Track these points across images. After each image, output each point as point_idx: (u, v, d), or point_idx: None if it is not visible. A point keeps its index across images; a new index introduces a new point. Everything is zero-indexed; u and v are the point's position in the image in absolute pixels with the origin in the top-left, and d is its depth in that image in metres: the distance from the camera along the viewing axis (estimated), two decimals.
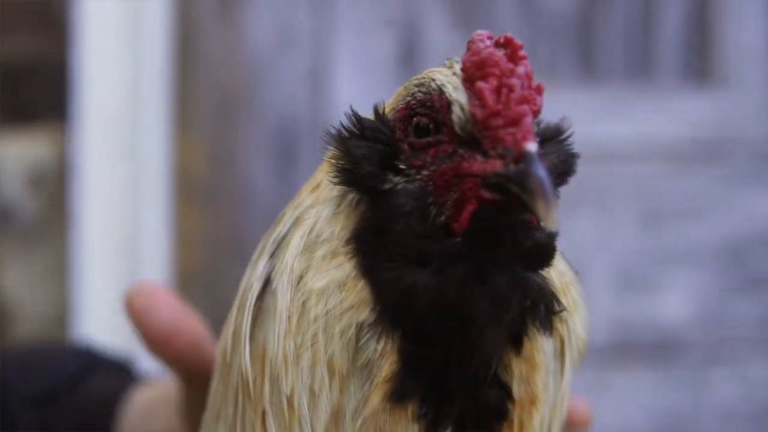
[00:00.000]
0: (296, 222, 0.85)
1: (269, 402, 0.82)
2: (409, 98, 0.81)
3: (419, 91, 0.80)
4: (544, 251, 0.77)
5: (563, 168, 0.81)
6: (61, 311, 2.58)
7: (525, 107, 0.74)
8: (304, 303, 0.81)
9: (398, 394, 0.78)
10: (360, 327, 0.78)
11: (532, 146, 0.72)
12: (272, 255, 0.86)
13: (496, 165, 0.74)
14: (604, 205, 2.14)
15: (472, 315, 0.75)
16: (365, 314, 0.78)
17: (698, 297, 2.20)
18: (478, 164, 0.75)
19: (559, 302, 0.79)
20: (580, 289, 0.86)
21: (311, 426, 0.80)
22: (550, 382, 0.82)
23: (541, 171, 0.71)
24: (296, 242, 0.84)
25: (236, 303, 0.88)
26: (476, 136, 0.76)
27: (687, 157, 2.20)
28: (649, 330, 2.17)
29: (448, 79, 0.78)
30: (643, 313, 2.17)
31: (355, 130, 0.81)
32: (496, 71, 0.75)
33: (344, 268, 0.80)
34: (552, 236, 0.77)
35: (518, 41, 0.77)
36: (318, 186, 0.86)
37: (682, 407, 2.21)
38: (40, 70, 3.08)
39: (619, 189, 2.16)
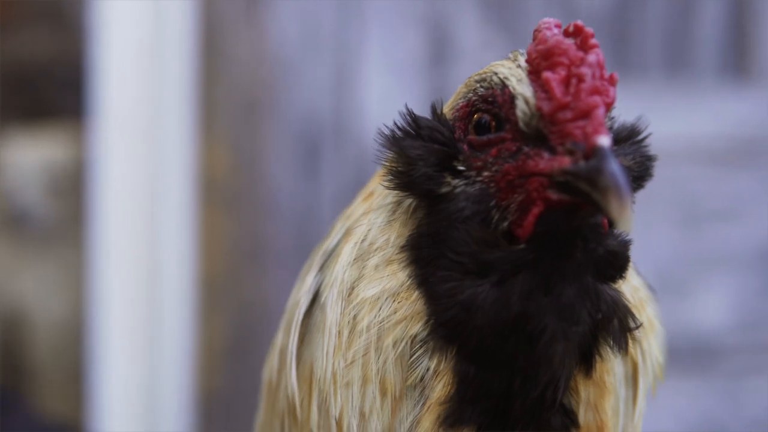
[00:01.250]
0: (347, 233, 0.80)
1: (317, 425, 0.76)
2: (470, 94, 0.76)
3: (481, 87, 0.75)
4: (616, 260, 0.72)
5: (639, 171, 0.77)
6: (79, 317, 2.54)
7: (597, 98, 0.69)
8: (355, 316, 0.75)
9: (452, 420, 0.72)
10: (413, 341, 0.73)
11: (604, 140, 0.67)
12: (321, 268, 0.80)
13: (565, 161, 0.68)
14: (640, 206, 2.09)
15: (537, 330, 0.69)
16: (418, 327, 0.73)
17: (737, 301, 2.15)
18: (545, 161, 0.69)
19: (634, 318, 0.73)
20: (657, 309, 0.80)
21: None
22: (621, 409, 0.76)
23: (614, 167, 0.66)
24: (347, 252, 0.78)
25: (283, 322, 0.82)
26: (543, 132, 0.70)
27: (725, 156, 2.14)
28: (685, 335, 2.12)
29: (511, 71, 0.73)
30: (679, 318, 2.11)
31: (410, 129, 0.76)
32: (565, 60, 0.71)
33: (398, 277, 0.74)
34: (626, 244, 0.72)
35: (589, 29, 0.72)
36: (371, 194, 0.81)
37: (718, 416, 2.16)
38: (56, 70, 3.04)
39: (656, 190, 2.10)
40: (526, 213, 0.70)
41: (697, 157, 2.13)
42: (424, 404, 0.73)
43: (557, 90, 0.70)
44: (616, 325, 0.72)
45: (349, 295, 0.76)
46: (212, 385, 2.06)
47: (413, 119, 0.76)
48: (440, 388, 0.72)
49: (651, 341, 0.79)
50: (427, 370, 0.72)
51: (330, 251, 0.80)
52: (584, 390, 0.74)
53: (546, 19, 0.75)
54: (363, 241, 0.78)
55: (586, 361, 0.73)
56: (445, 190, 0.73)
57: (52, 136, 2.98)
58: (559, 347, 0.69)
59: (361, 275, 0.76)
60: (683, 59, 2.19)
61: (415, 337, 0.73)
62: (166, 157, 2.13)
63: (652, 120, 2.22)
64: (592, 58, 0.71)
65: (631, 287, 0.78)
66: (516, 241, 0.71)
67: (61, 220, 2.83)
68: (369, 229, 0.78)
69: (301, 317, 0.79)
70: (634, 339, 0.74)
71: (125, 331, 2.13)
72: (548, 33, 0.73)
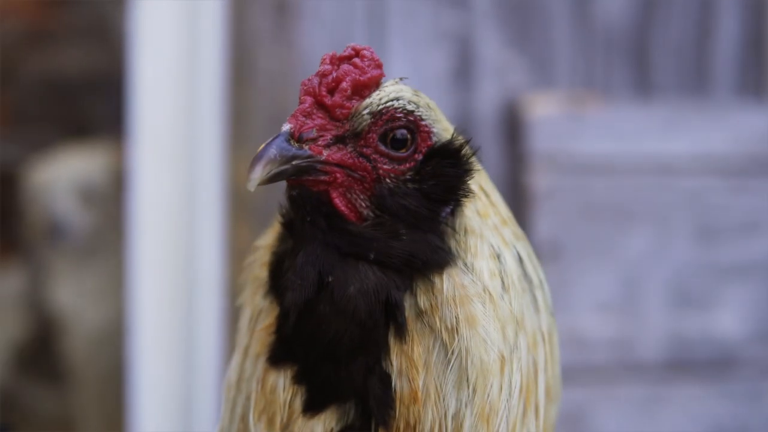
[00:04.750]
0: None
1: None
2: None
3: None
4: (361, 241, 0.87)
5: (440, 184, 0.89)
6: (115, 327, 2.59)
7: (306, 98, 0.88)
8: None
9: (274, 358, 0.90)
10: (262, 282, 0.93)
11: (285, 126, 0.87)
12: None
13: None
14: (660, 220, 2.13)
15: (284, 280, 0.89)
16: (265, 272, 0.93)
17: (754, 313, 2.18)
18: None
19: (389, 292, 0.86)
20: (490, 311, 0.89)
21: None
22: (448, 391, 0.86)
23: (269, 143, 0.85)
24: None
25: None
26: None
27: (743, 172, 2.18)
28: (705, 346, 2.15)
29: None
30: (699, 329, 2.14)
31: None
32: (315, 71, 0.90)
33: (270, 237, 0.97)
34: (369, 232, 0.87)
35: (364, 52, 0.90)
36: None
37: (737, 423, 2.19)
38: (95, 86, 3.11)
39: (674, 204, 2.14)
40: None
41: (715, 171, 2.16)
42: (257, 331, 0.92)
43: (300, 91, 0.90)
44: (351, 292, 0.85)
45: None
46: None
47: None
48: (266, 321, 0.91)
49: (471, 335, 0.87)
50: (263, 304, 0.92)
51: None
52: (396, 359, 0.86)
53: (350, 44, 0.92)
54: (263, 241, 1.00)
55: (399, 332, 0.86)
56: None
57: (89, 149, 3.05)
58: (290, 295, 0.87)
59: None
60: (702, 77, 2.22)
61: (262, 279, 0.94)
62: (200, 171, 2.19)
63: (670, 137, 2.24)
64: (324, 67, 0.89)
65: (457, 283, 0.88)
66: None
67: (97, 232, 2.89)
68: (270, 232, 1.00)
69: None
70: (448, 332, 0.86)
71: (161, 340, 2.19)
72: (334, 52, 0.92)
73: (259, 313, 0.92)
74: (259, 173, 0.83)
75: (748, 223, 2.18)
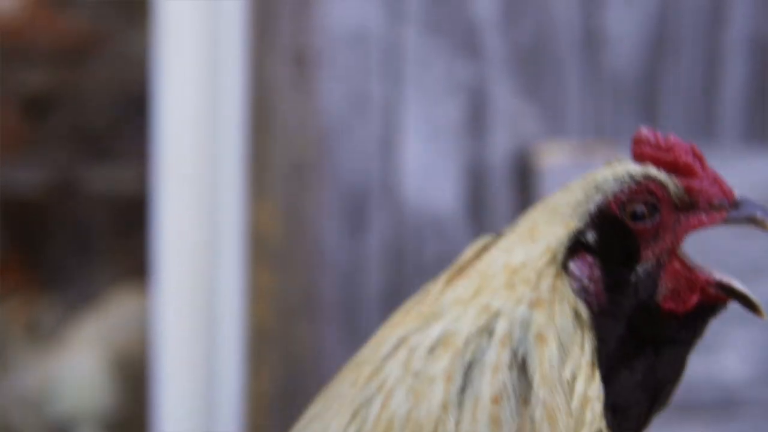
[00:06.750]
0: (539, 338, 0.90)
1: None
2: (613, 193, 0.93)
3: (624, 185, 0.93)
4: None
5: None
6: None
7: (715, 170, 0.96)
8: (581, 409, 0.87)
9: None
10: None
11: (738, 193, 0.94)
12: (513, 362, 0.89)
13: (722, 214, 0.96)
14: None
15: (666, 391, 0.93)
16: (604, 425, 0.88)
17: (759, 355, 2.22)
18: (703, 218, 0.98)
19: None
20: None
21: None
22: None
23: (758, 205, 0.92)
24: (553, 353, 0.89)
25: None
26: (691, 202, 0.96)
27: None
28: (709, 388, 2.20)
29: (641, 170, 0.94)
30: (703, 372, 2.19)
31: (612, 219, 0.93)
32: (684, 151, 0.96)
33: (596, 384, 0.88)
34: None
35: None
36: (536, 240, 0.94)
37: None
38: (119, 124, 3.17)
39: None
40: (687, 298, 0.95)
41: None
42: None
43: (697, 169, 0.95)
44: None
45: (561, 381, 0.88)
46: None
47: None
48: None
49: None
50: None
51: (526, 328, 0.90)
52: None
53: (643, 129, 0.97)
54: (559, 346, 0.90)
55: None
56: (633, 277, 0.93)
57: (116, 174, 3.12)
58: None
59: (574, 373, 0.89)
60: (709, 123, 2.27)
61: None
62: (221, 215, 2.26)
63: None
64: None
65: None
66: (672, 317, 0.94)
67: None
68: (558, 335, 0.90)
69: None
70: None
71: (182, 379, 2.26)
72: (653, 137, 0.97)
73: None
74: None
75: (755, 268, 2.23)
